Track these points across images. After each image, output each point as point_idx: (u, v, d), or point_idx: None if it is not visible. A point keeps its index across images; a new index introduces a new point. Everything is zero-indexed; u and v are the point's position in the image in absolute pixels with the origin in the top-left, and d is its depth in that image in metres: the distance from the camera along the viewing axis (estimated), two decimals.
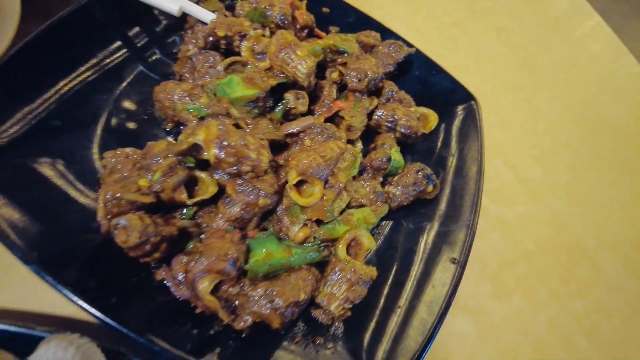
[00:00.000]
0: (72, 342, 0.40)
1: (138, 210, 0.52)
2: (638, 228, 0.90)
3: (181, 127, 0.64)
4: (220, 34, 0.64)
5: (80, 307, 0.45)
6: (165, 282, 0.53)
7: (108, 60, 0.67)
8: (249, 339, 0.52)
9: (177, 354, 0.46)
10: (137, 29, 0.73)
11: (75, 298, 0.45)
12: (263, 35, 0.67)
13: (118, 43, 0.69)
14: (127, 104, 0.65)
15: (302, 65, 0.62)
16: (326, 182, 0.60)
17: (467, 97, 0.82)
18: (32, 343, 0.42)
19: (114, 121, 0.63)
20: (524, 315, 0.73)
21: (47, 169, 0.55)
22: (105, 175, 0.54)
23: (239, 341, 0.52)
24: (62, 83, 0.60)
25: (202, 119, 0.58)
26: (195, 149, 0.54)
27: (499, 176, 0.88)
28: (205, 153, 0.54)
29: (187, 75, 0.68)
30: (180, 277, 0.52)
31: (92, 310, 0.44)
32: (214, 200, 0.57)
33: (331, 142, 0.60)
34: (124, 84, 0.66)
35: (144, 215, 0.49)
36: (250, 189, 0.55)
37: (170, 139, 0.63)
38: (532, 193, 0.88)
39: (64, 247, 0.50)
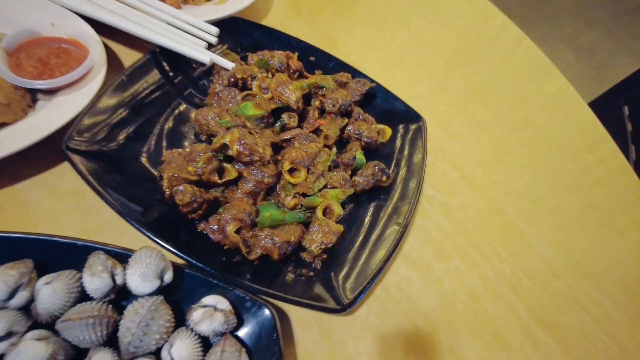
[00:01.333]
0: (153, 250, 0.70)
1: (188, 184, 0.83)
2: (561, 214, 1.17)
3: (212, 138, 0.96)
4: (239, 76, 0.97)
5: (157, 242, 0.75)
6: (204, 231, 0.83)
7: (160, 96, 1.00)
8: (258, 266, 0.81)
9: (214, 272, 0.75)
10: (180, 75, 1.06)
11: (153, 237, 0.75)
12: (267, 77, 1.00)
13: (167, 86, 1.02)
14: (176, 124, 0.98)
15: (292, 96, 0.95)
16: (308, 170, 0.90)
17: (416, 116, 1.14)
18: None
19: (168, 134, 0.95)
20: (460, 272, 0.99)
21: (132, 161, 0.87)
22: (165, 165, 0.86)
23: (252, 267, 0.81)
24: (135, 111, 0.93)
25: (228, 129, 0.89)
26: (223, 147, 0.86)
27: (446, 175, 1.17)
28: (230, 150, 0.86)
29: (215, 105, 1.01)
30: (214, 228, 0.82)
31: (166, 244, 0.74)
32: (234, 182, 0.88)
33: (312, 144, 0.91)
34: (175, 112, 0.99)
35: (193, 186, 0.80)
36: (259, 172, 0.86)
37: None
38: (472, 187, 1.16)
39: (143, 207, 0.81)
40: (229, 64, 1.03)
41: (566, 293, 1.01)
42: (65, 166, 0.88)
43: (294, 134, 0.93)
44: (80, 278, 0.68)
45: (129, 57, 1.08)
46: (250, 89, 1.00)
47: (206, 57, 1.03)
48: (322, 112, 1.06)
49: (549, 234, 1.12)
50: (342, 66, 1.17)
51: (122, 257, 0.72)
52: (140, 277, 0.68)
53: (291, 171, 0.90)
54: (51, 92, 0.92)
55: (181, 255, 0.75)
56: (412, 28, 1.58)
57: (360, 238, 0.90)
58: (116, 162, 0.86)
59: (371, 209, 0.97)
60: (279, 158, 0.91)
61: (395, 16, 1.61)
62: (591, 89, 3.43)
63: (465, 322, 0.89)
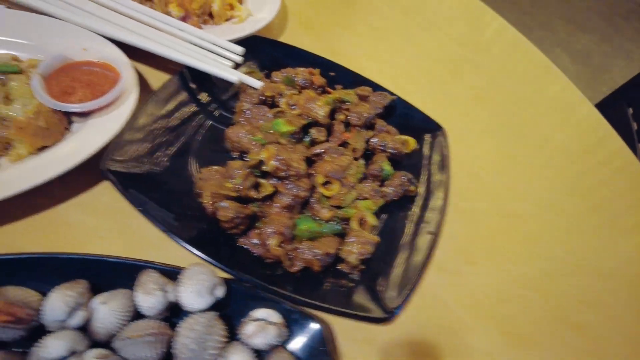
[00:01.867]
0: (205, 266, 0.72)
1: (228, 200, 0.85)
2: (569, 215, 1.20)
3: (243, 154, 0.98)
4: (268, 94, 1.00)
5: (203, 258, 0.77)
6: (244, 245, 0.84)
7: (190, 115, 1.02)
8: (299, 279, 0.83)
9: (259, 283, 0.77)
10: (207, 94, 1.09)
11: (200, 253, 0.77)
12: (294, 94, 1.02)
13: (195, 105, 1.05)
14: (207, 142, 1.00)
15: (321, 111, 0.97)
16: (341, 182, 0.93)
17: (436, 126, 1.17)
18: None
19: (199, 152, 0.97)
20: (488, 274, 1.02)
21: (169, 178, 0.89)
22: (204, 182, 0.88)
23: (294, 279, 0.83)
24: (167, 131, 0.96)
25: (262, 146, 0.92)
26: (260, 164, 0.88)
27: (465, 183, 1.20)
28: (265, 166, 0.88)
29: (244, 122, 1.03)
30: (255, 242, 0.84)
31: (212, 260, 0.76)
32: (269, 196, 0.90)
33: (343, 157, 0.94)
34: (204, 130, 1.02)
35: (235, 202, 0.82)
36: (294, 187, 0.88)
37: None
38: (485, 192, 1.19)
39: (183, 223, 0.82)
40: (256, 83, 1.06)
41: (577, 293, 1.03)
42: (103, 186, 0.90)
43: (324, 148, 0.95)
44: (134, 296, 0.70)
45: (156, 78, 1.10)
46: (278, 106, 1.02)
47: (234, 76, 1.05)
48: (347, 125, 1.08)
49: (559, 236, 1.14)
50: (362, 81, 1.21)
51: (170, 274, 0.74)
52: (194, 294, 0.69)
53: (325, 184, 0.92)
54: (86, 114, 0.94)
55: (229, 270, 0.77)
56: (413, 38, 1.62)
57: (395, 247, 0.92)
58: (153, 180, 0.88)
59: (402, 219, 0.99)
60: (311, 172, 0.93)
61: (395, 27, 1.65)
62: (589, 91, 3.51)
63: (499, 325, 0.91)
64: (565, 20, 4.60)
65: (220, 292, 0.71)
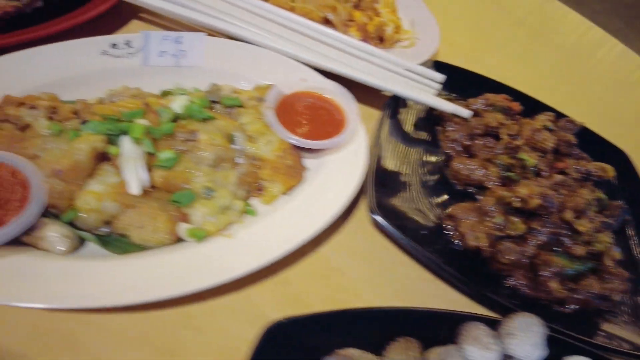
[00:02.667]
0: (533, 316, 0.69)
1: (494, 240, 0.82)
2: None
3: (468, 187, 0.96)
4: (493, 124, 0.98)
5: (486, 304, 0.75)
6: (513, 286, 0.82)
7: (409, 148, 1.00)
8: (575, 318, 0.81)
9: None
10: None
11: (492, 295, 0.74)
12: (513, 123, 1.00)
13: (412, 138, 1.02)
14: (428, 174, 0.98)
15: (549, 141, 0.96)
16: (588, 216, 0.91)
17: (617, 151, 1.16)
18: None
19: (425, 184, 0.95)
20: None
21: (414, 214, 0.87)
22: (459, 220, 0.85)
23: (572, 320, 0.81)
24: (396, 166, 0.93)
25: (505, 179, 0.90)
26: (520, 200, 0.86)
27: None
28: (516, 202, 0.86)
29: (463, 154, 1.01)
30: (526, 283, 0.81)
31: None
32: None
33: (583, 189, 0.92)
34: (421, 162, 0.99)
35: (513, 243, 0.80)
36: (549, 222, 0.86)
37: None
38: None
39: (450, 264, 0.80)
40: (464, 112, 1.03)
41: None
42: (359, 227, 0.86)
43: (560, 180, 0.94)
44: (467, 352, 0.67)
45: None
46: (498, 137, 1.00)
47: (447, 106, 1.02)
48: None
49: None
50: (544, 107, 1.19)
51: (490, 324, 0.70)
52: (531, 346, 0.67)
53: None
54: (313, 151, 0.90)
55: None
56: (541, 57, 1.61)
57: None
58: (410, 220, 0.85)
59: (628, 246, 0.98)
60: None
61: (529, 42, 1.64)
62: None
63: None
64: None
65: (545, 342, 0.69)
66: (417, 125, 1.07)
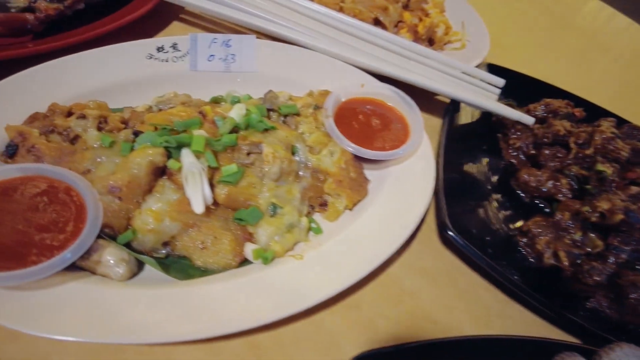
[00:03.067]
0: (631, 345, 0.63)
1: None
2: None
3: (535, 198, 0.89)
4: (562, 132, 0.91)
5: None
6: (595, 308, 0.76)
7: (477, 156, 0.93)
8: None
9: None
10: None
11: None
12: (581, 131, 0.94)
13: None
14: (496, 187, 0.91)
15: (623, 151, 0.89)
16: None
17: None
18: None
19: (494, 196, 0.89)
20: None
21: (491, 229, 0.80)
22: (534, 238, 0.79)
23: None
24: (464, 177, 0.87)
25: (577, 191, 0.84)
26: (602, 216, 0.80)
27: None
28: (593, 216, 0.79)
29: (515, 161, 0.95)
30: (606, 304, 0.75)
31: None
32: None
33: None
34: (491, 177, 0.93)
35: (597, 262, 0.74)
36: (630, 238, 0.79)
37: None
38: None
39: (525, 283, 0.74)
40: (528, 119, 0.97)
41: None
42: (428, 246, 0.80)
43: (634, 192, 0.87)
44: None
45: None
46: (565, 145, 0.94)
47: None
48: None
49: None
50: (603, 112, 1.12)
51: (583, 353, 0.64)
52: None
53: None
54: (374, 162, 0.83)
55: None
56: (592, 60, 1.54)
57: None
58: (483, 237, 0.79)
59: None
60: None
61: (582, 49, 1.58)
62: None
63: None
64: None
65: None
66: (475, 133, 1.01)
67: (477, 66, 1.09)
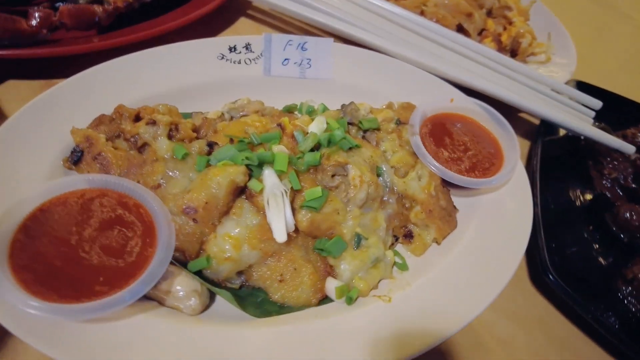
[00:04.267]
0: None
1: None
2: None
3: (636, 239, 0.80)
4: None
5: None
6: None
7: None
8: None
9: None
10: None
11: None
12: None
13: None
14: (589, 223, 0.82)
15: None
16: None
17: None
18: None
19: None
20: None
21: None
22: None
23: None
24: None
25: None
26: None
27: None
28: None
29: (609, 194, 0.85)
30: None
31: None
32: None
33: None
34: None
35: None
36: None
37: None
38: None
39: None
40: (631, 148, 0.86)
41: None
42: (519, 289, 0.72)
43: None
44: None
45: None
46: None
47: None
48: None
49: None
50: None
51: None
52: None
53: None
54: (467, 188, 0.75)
55: None
56: None
57: None
58: (571, 277, 0.70)
59: None
60: None
61: None
62: None
63: None
64: None
65: None
66: (563, 158, 0.92)
67: (566, 83, 0.99)
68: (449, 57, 0.90)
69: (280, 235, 0.57)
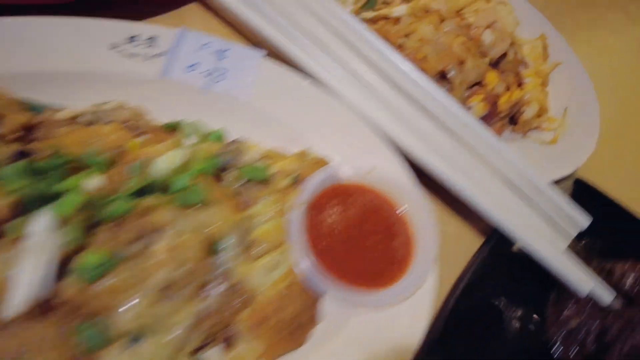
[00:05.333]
0: None
1: None
2: None
3: None
4: None
5: None
6: None
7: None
8: None
9: None
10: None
11: None
12: None
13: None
14: None
15: None
16: None
17: None
18: None
19: None
20: None
21: None
22: None
23: None
24: None
25: None
26: None
27: None
28: None
29: (562, 345, 0.62)
30: None
31: None
32: None
33: None
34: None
35: None
36: None
37: None
38: None
39: None
40: (607, 297, 0.63)
41: None
42: None
43: None
44: None
45: None
46: None
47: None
48: None
49: None
50: None
51: None
52: None
53: None
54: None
55: None
56: None
57: None
58: None
59: None
60: None
61: None
62: None
63: None
64: None
65: None
66: (515, 278, 0.70)
67: (563, 179, 0.76)
68: (408, 114, 0.70)
69: (11, 307, 0.42)
